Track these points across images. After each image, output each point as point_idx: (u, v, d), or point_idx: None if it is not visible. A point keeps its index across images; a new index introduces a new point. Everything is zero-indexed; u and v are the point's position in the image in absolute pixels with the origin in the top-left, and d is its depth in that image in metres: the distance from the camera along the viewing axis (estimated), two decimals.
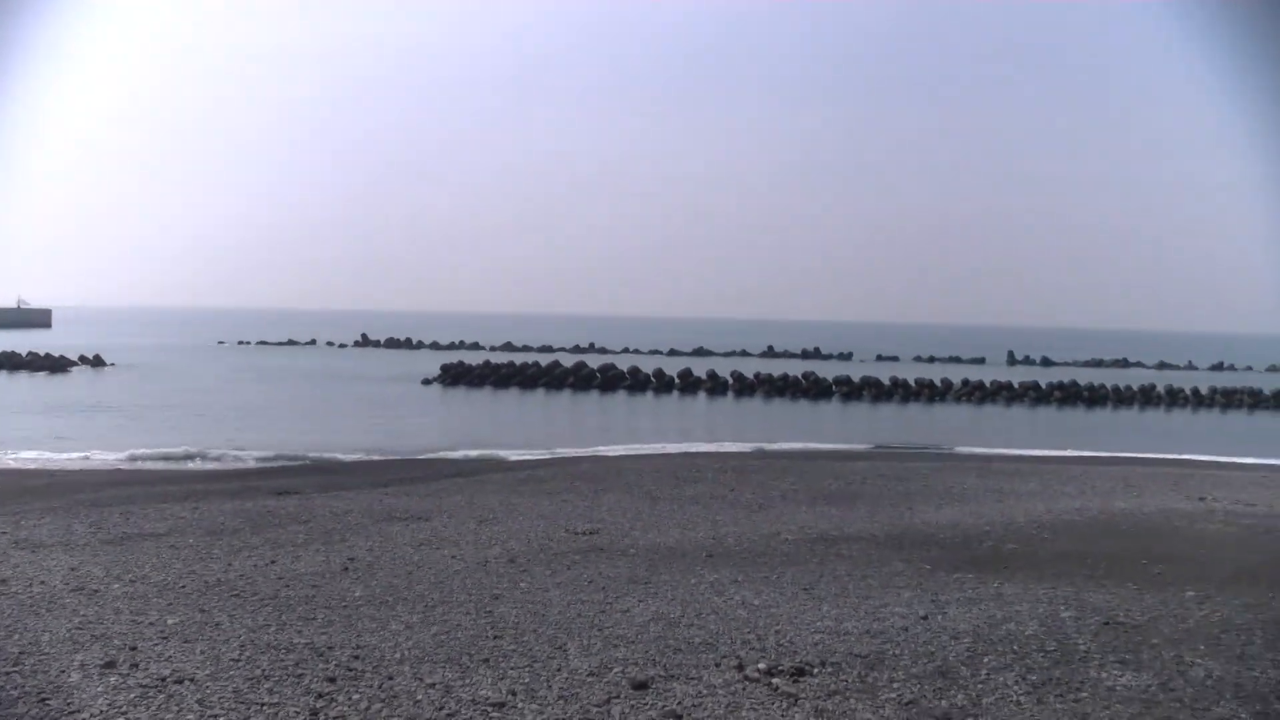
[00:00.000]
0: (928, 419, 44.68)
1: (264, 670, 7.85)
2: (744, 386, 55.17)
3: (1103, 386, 56.74)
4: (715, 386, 54.76)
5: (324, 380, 57.13)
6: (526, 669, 8.03)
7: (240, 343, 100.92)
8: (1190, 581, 11.79)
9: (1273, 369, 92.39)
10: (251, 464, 25.41)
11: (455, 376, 56.33)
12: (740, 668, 8.13)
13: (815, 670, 8.14)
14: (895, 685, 7.84)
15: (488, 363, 59.22)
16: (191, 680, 7.55)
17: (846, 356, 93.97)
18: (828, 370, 63.19)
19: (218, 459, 26.08)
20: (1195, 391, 56.63)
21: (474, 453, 27.42)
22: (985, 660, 8.51)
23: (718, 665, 8.22)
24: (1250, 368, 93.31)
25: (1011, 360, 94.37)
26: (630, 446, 29.13)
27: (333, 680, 7.65)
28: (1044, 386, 56.20)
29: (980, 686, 7.86)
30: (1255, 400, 55.43)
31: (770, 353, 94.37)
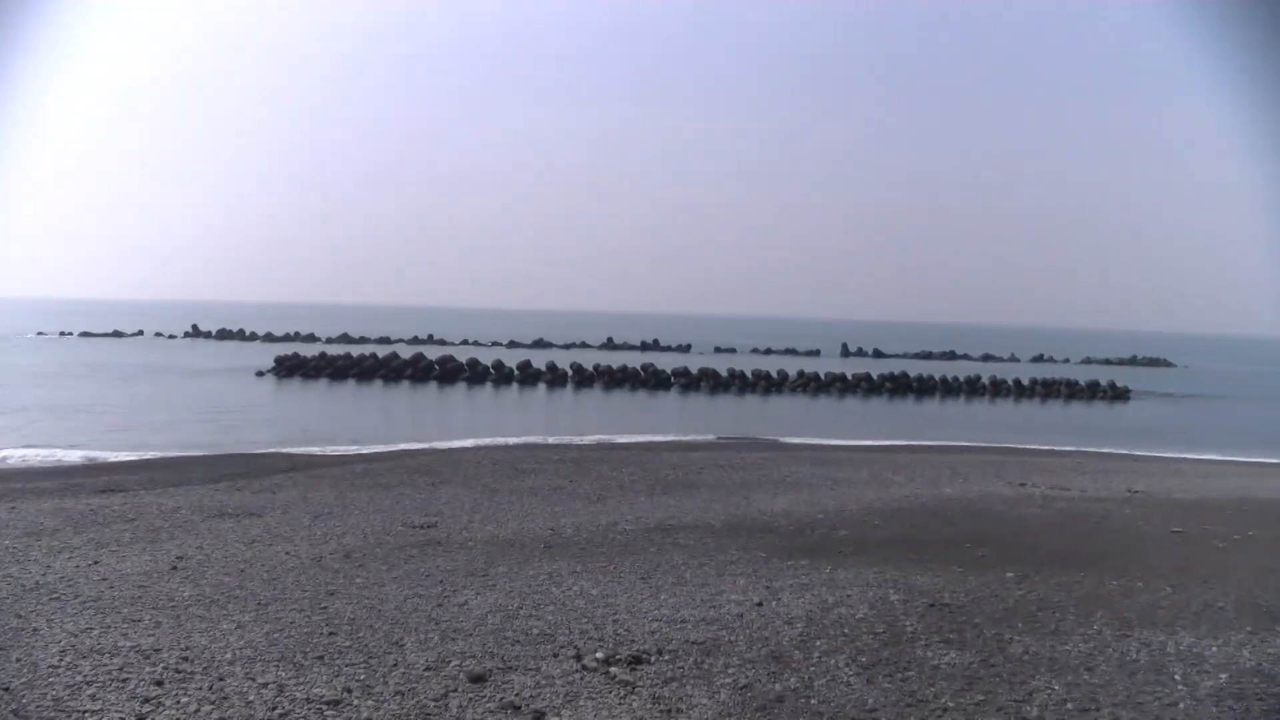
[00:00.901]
0: (764, 410, 45.50)
1: (85, 676, 7.54)
2: (583, 378, 55.25)
3: (931, 378, 58.56)
4: (555, 378, 54.71)
5: (153, 373, 55.10)
6: (362, 665, 7.92)
7: (62, 334, 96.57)
8: (1010, 563, 12.32)
9: (1087, 361, 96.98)
10: (75, 461, 24.30)
11: (290, 369, 54.96)
12: (578, 657, 8.17)
13: (652, 658, 8.24)
14: (730, 670, 7.98)
15: (324, 355, 57.91)
16: (6, 690, 7.21)
17: (685, 349, 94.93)
18: (666, 362, 63.74)
19: (36, 456, 24.82)
20: (1017, 382, 58.88)
21: (309, 447, 26.81)
22: (817, 644, 8.73)
23: (556, 656, 8.24)
24: (1068, 360, 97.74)
25: (845, 353, 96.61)
26: (469, 439, 28.89)
27: (160, 684, 7.41)
28: (876, 378, 57.76)
29: (812, 669, 8.07)
30: (1071, 391, 58.06)
31: (610, 345, 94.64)
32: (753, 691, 7.54)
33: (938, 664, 8.28)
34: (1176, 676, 8.19)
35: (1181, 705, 7.54)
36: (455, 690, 7.42)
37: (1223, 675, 8.27)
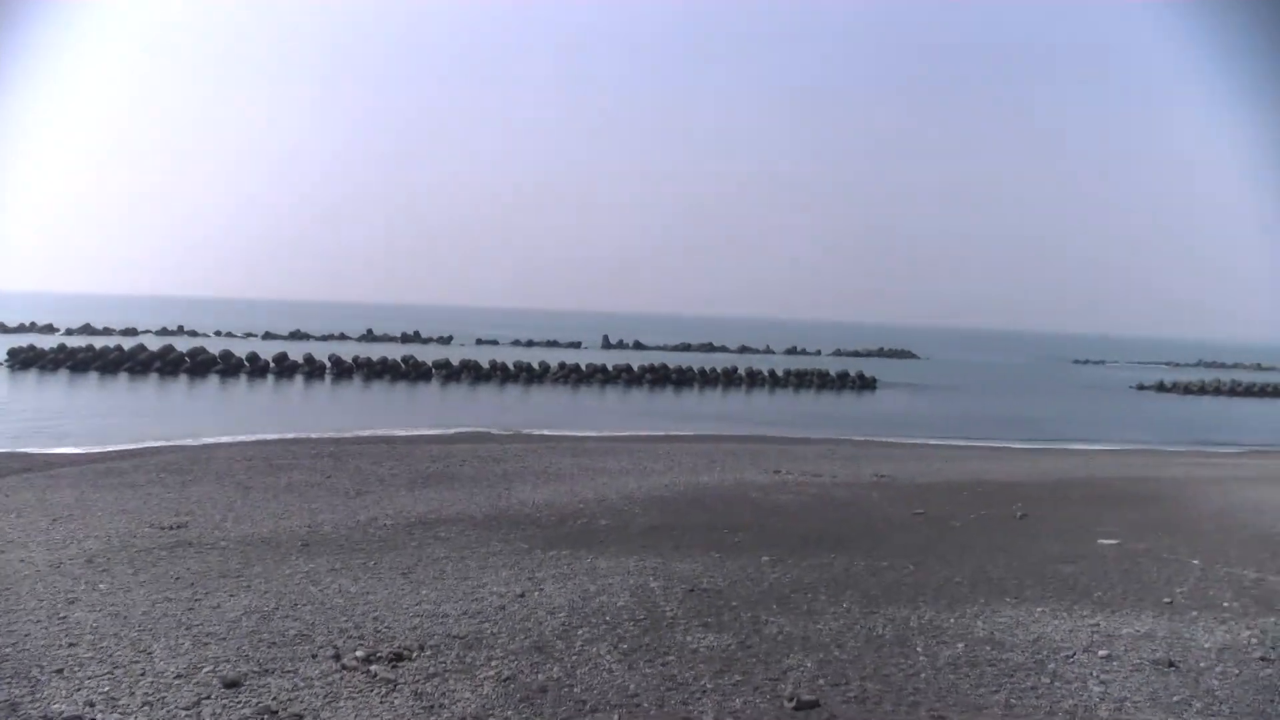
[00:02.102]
0: (526, 401, 45.50)
1: None
2: (342, 370, 53.96)
3: (690, 369, 59.84)
4: (312, 371, 53.19)
5: None
6: (106, 676, 7.51)
7: None
8: (765, 547, 12.75)
9: (837, 353, 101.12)
10: None
11: (25, 361, 51.52)
12: (337, 657, 7.99)
13: (414, 654, 8.13)
14: (493, 663, 7.97)
15: (63, 346, 54.58)
16: None
17: (446, 340, 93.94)
18: (428, 354, 62.91)
19: None
20: (772, 373, 60.83)
21: (46, 446, 25.21)
22: (580, 633, 8.81)
23: (314, 656, 8.03)
24: (819, 351, 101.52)
25: (606, 344, 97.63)
26: (222, 435, 27.77)
27: None
28: (636, 369, 58.54)
29: (575, 658, 8.14)
30: (822, 381, 60.41)
31: (370, 336, 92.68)
32: (516, 683, 7.54)
33: (697, 647, 8.49)
34: (919, 648, 8.67)
35: (923, 675, 7.99)
36: (208, 697, 7.14)
37: (959, 645, 8.80)
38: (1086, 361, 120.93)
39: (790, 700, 7.29)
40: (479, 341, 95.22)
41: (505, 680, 7.60)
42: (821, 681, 7.76)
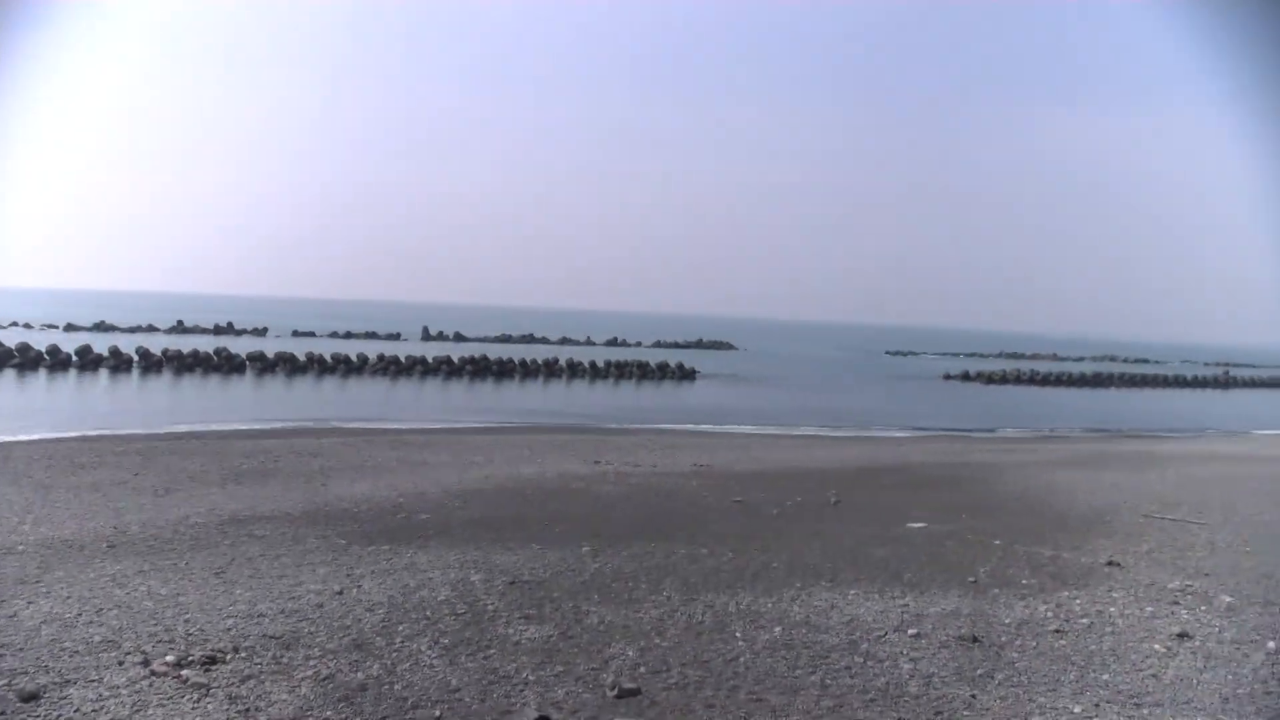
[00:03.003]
0: (344, 394, 44.59)
1: None
2: (150, 364, 51.89)
3: (511, 360, 59.66)
4: (119, 364, 50.96)
5: None
6: None
7: None
8: (586, 538, 12.81)
9: (657, 344, 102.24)
10: None
11: None
12: (146, 663, 7.67)
13: (228, 656, 7.88)
14: (311, 663, 7.79)
15: None
16: None
17: (261, 332, 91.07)
18: (241, 346, 61.12)
19: None
20: (593, 364, 61.13)
21: None
22: (400, 629, 8.69)
23: (121, 663, 7.69)
24: (640, 343, 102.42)
25: (426, 336, 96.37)
26: (19, 433, 26.38)
27: None
28: (456, 361, 58.07)
29: (395, 655, 8.02)
30: (643, 372, 61.05)
31: (180, 328, 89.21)
32: (334, 682, 7.39)
33: (519, 639, 8.47)
34: (737, 634, 8.84)
35: (742, 659, 8.15)
36: (3, 713, 6.77)
37: (776, 629, 9.01)
38: (900, 353, 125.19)
39: (612, 689, 7.34)
40: (295, 333, 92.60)
41: (324, 680, 7.43)
42: (643, 669, 7.84)
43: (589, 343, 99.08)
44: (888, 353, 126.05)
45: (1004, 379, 74.64)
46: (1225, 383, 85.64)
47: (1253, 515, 16.37)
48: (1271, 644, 9.08)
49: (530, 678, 7.58)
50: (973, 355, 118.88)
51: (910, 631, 9.08)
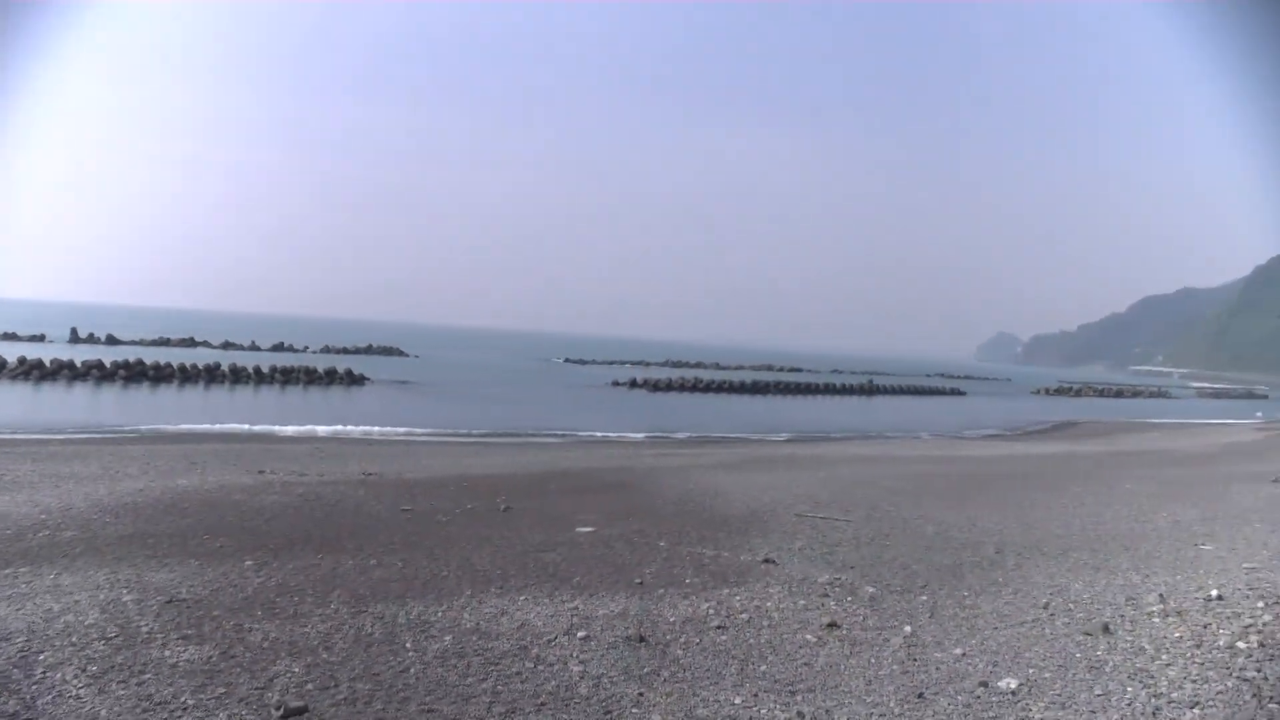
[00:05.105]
0: None
1: None
2: None
3: (170, 365, 56.67)
4: None
5: None
6: None
7: None
8: (249, 551, 12.31)
9: (326, 349, 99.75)
10: None
11: None
12: None
13: None
14: None
15: None
16: None
17: None
18: None
19: None
20: (258, 370, 58.94)
21: None
22: (41, 658, 8.05)
23: None
24: (308, 348, 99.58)
25: (75, 338, 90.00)
26: None
27: None
28: (109, 365, 54.67)
29: (36, 687, 7.41)
30: (311, 377, 59.45)
31: None
32: None
33: (176, 661, 8.03)
34: (408, 644, 8.73)
35: (413, 670, 8.06)
36: None
37: (447, 637, 8.97)
38: (580, 361, 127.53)
39: (277, 708, 7.09)
40: None
41: None
42: (310, 686, 7.61)
43: (254, 347, 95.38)
44: (568, 360, 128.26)
45: (669, 386, 77.39)
46: (870, 390, 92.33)
47: (891, 511, 17.69)
48: (908, 628, 9.87)
49: (189, 702, 7.20)
50: (639, 363, 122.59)
51: (580, 634, 9.25)
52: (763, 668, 8.52)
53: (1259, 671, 8.43)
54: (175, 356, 63.35)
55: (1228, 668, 8.58)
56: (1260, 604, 10.69)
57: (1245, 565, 13.10)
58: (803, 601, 10.85)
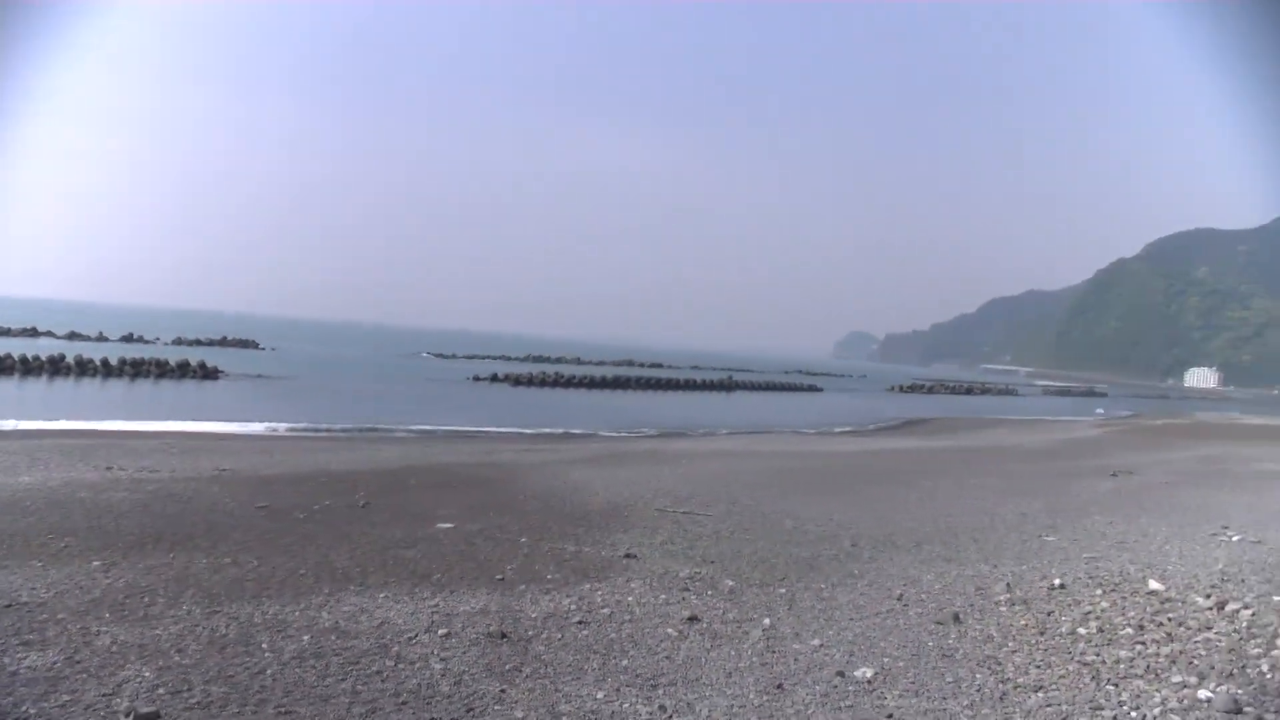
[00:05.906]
0: None
1: None
2: None
3: (10, 356, 54.39)
4: None
5: None
6: None
7: None
8: (96, 551, 11.90)
9: (178, 341, 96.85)
10: None
11: None
12: None
13: None
14: None
15: None
16: None
17: None
18: None
19: None
20: (105, 362, 56.97)
21: None
22: None
23: None
24: (159, 339, 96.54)
25: None
26: None
27: None
28: None
29: None
30: (162, 370, 57.65)
31: None
32: None
33: (16, 669, 7.72)
34: (264, 645, 8.55)
35: (269, 671, 7.89)
36: None
37: (305, 637, 8.81)
38: (443, 355, 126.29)
39: (128, 715, 6.88)
40: None
41: None
42: (161, 690, 7.40)
43: (102, 338, 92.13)
44: (430, 354, 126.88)
45: (530, 381, 77.14)
46: (729, 386, 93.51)
47: (751, 506, 17.97)
48: (767, 620, 10.06)
49: (32, 711, 6.93)
50: (501, 358, 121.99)
51: (441, 631, 9.19)
52: (624, 662, 8.58)
53: (1098, 656, 8.84)
54: (16, 348, 60.70)
55: (1069, 653, 8.99)
56: (1099, 591, 11.20)
57: (1085, 555, 13.70)
58: (664, 596, 10.96)
